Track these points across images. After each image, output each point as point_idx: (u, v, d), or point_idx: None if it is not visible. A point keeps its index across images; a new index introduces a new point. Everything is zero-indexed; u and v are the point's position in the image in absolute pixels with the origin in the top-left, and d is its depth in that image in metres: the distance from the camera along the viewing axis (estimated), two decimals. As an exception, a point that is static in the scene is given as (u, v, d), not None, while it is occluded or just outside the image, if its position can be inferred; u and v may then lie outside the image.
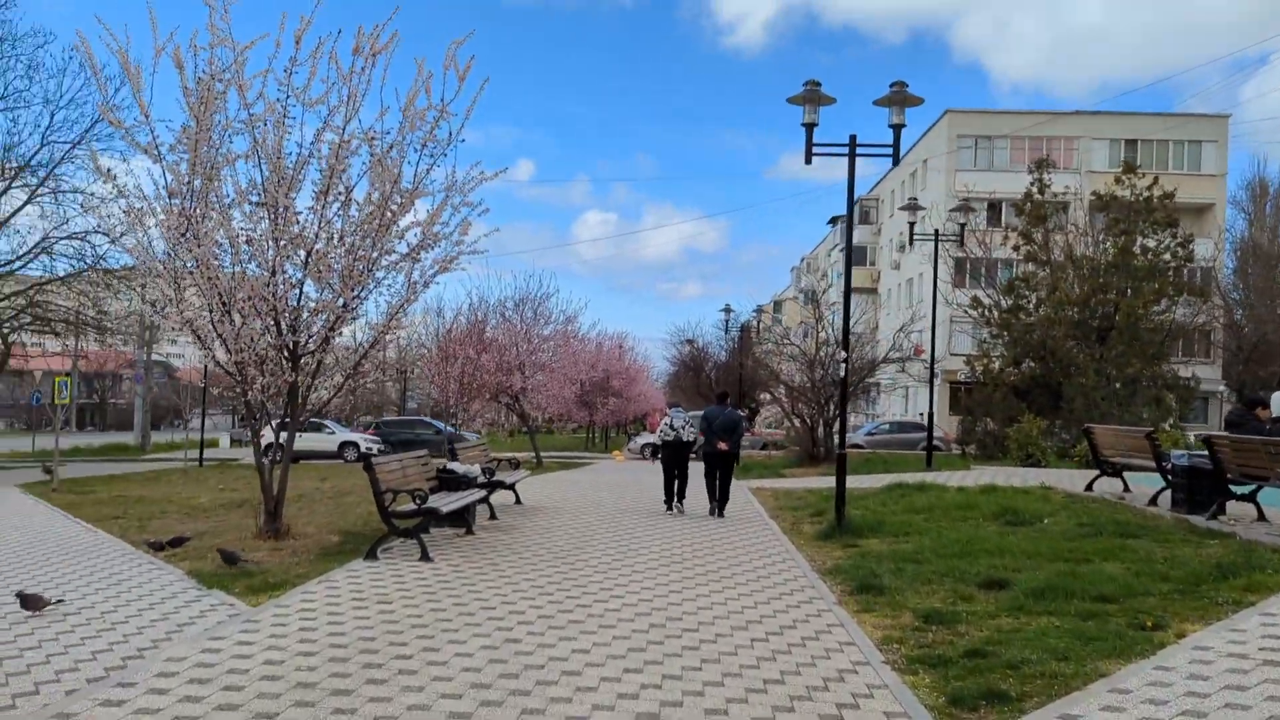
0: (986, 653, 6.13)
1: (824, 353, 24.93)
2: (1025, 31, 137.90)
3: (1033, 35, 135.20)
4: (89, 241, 31.99)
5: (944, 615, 7.19)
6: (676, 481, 14.72)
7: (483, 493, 11.92)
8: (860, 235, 72.38)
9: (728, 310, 35.45)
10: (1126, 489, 14.39)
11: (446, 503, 10.14)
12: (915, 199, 25.06)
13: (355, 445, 39.60)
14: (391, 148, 11.00)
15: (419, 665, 5.81)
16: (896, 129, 12.07)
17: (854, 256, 69.87)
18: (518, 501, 14.93)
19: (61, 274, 33.95)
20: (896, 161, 12.15)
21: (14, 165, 32.18)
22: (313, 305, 11.03)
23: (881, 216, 70.82)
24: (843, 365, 12.16)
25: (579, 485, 19.73)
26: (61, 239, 32.83)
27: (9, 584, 8.65)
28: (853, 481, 18.77)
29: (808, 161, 12.09)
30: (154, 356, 52.49)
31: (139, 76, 9.99)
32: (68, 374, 30.67)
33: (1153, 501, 12.58)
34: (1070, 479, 17.51)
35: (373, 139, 10.86)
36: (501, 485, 13.13)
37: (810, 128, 12.03)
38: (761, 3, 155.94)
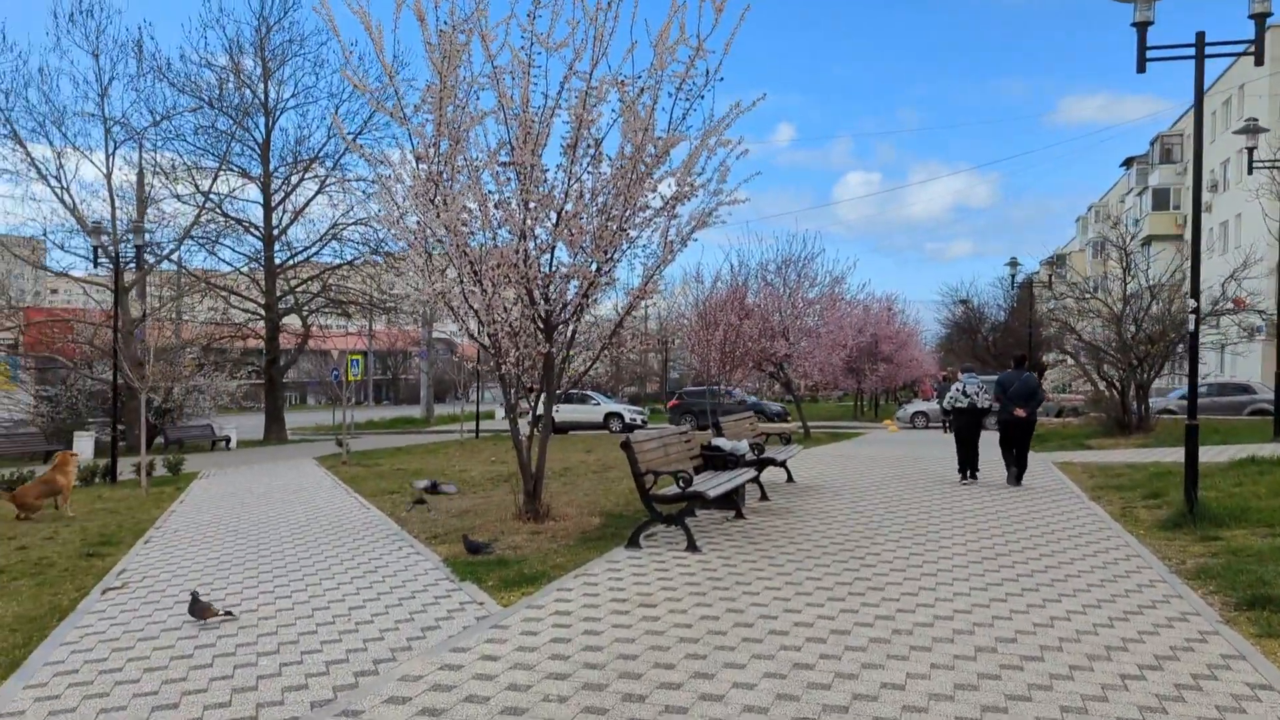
0: None
1: (1135, 305, 21.66)
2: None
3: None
4: (371, 226, 33.91)
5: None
6: (969, 450, 14.02)
7: (752, 472, 10.71)
8: (1161, 176, 64.70)
9: (1014, 264, 32.08)
10: None
11: (713, 485, 9.00)
12: (1254, 120, 21.13)
13: (620, 416, 39.92)
14: (643, 91, 9.94)
15: (689, 699, 4.66)
16: (1260, 19, 9.61)
17: (1156, 200, 62.97)
18: (790, 480, 13.63)
19: (349, 259, 36.31)
20: (1260, 60, 9.62)
21: (305, 158, 34.60)
22: (564, 271, 10.21)
23: (1186, 154, 62.78)
24: (1192, 317, 9.83)
25: (854, 460, 18.13)
26: (348, 225, 35.09)
27: (277, 568, 8.42)
28: (1166, 456, 16.00)
29: (1140, 69, 9.85)
30: (436, 334, 55.70)
31: (380, 36, 9.48)
32: (361, 352, 32.73)
33: None
34: None
35: (623, 84, 9.84)
36: (772, 462, 11.88)
37: (1143, 27, 9.77)
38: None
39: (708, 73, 10.05)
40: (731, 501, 10.15)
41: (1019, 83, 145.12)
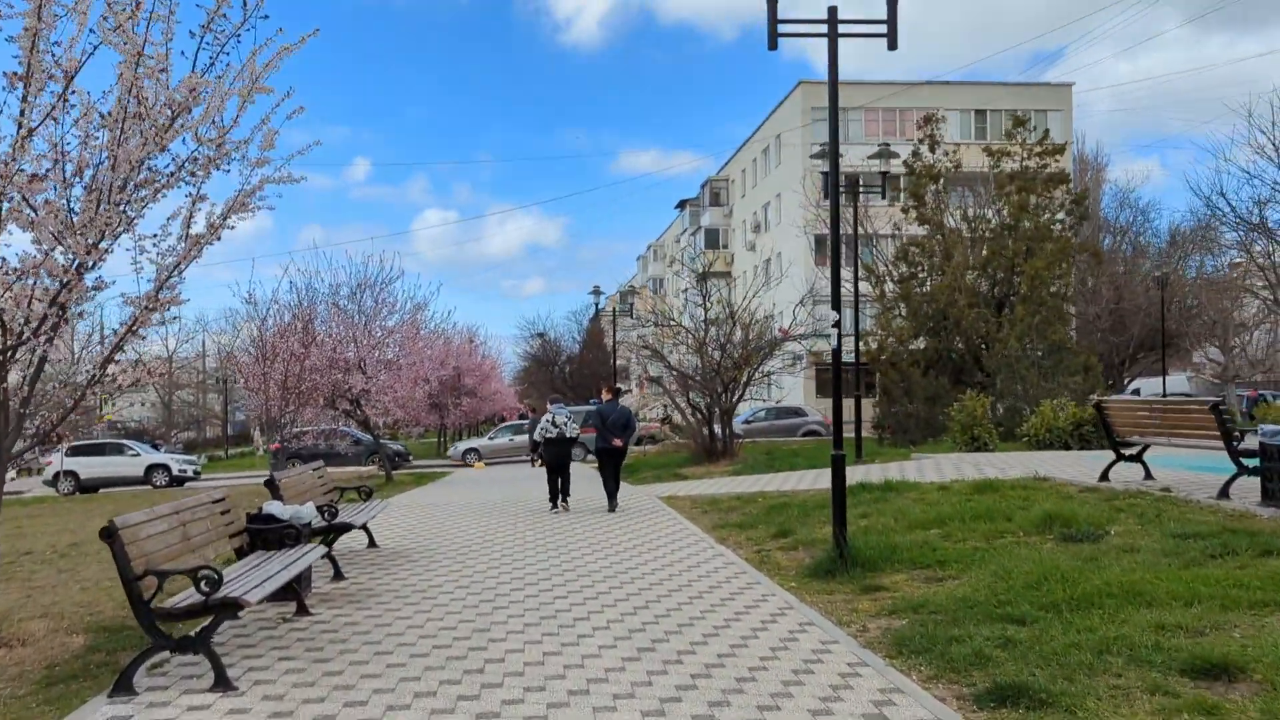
0: None
1: (720, 331, 21.66)
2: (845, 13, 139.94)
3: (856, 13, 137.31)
4: None
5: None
6: (560, 478, 14.59)
7: (321, 549, 7.85)
8: (710, 218, 70.12)
9: (597, 292, 31.70)
10: (1148, 475, 11.66)
11: (259, 579, 6.13)
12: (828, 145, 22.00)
13: (166, 468, 33.98)
14: (151, 19, 6.89)
15: None
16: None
17: (708, 239, 67.61)
18: (372, 544, 10.88)
19: None
20: (894, 45, 8.82)
21: None
22: (17, 267, 6.74)
23: (733, 198, 68.75)
24: (834, 331, 8.68)
25: (446, 508, 15.71)
26: None
27: None
28: (784, 482, 15.67)
29: (772, 46, 8.64)
30: None
31: None
32: None
33: (1223, 493, 9.78)
34: (1058, 464, 14.78)
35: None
36: (348, 528, 9.09)
37: (772, 1, 8.57)
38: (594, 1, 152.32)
39: (245, 6, 7.27)
40: (292, 591, 7.29)
41: (583, 134, 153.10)
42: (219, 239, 7.85)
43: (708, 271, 61.55)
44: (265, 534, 7.50)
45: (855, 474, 15.49)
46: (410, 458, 36.77)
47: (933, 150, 28.51)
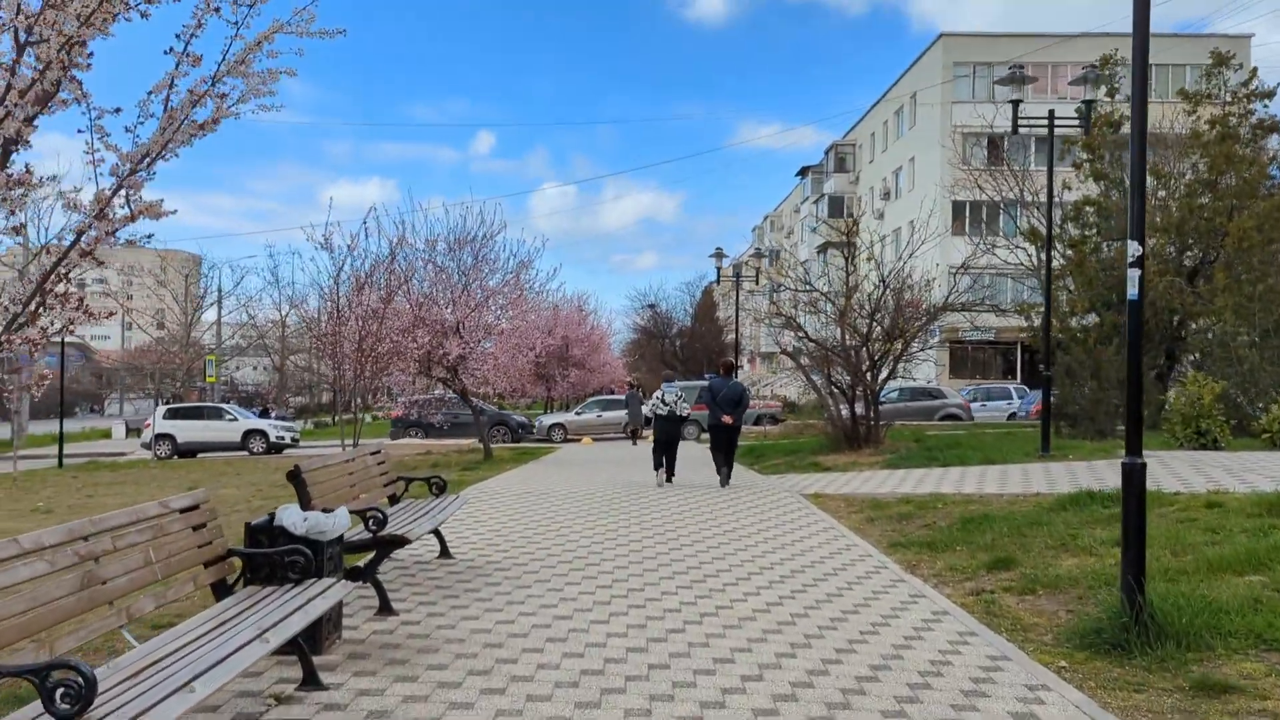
0: None
1: (867, 298, 18.54)
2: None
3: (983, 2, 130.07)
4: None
5: None
6: (667, 456, 14.59)
7: (341, 591, 5.18)
8: (834, 184, 66.06)
9: (719, 255, 28.68)
10: None
11: (193, 670, 3.56)
12: (1019, 69, 18.60)
13: (264, 434, 32.69)
14: None
15: None
16: None
17: (832, 207, 63.74)
18: (445, 553, 8.35)
19: None
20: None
21: None
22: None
23: (860, 163, 64.58)
24: (1134, 274, 5.62)
25: (544, 498, 13.18)
26: None
27: None
28: (960, 481, 12.13)
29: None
30: (68, 338, 45.01)
31: None
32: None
33: None
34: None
35: None
36: (396, 543, 6.50)
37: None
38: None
39: None
40: (300, 649, 4.73)
41: (706, 109, 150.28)
42: (217, 127, 5.38)
43: (829, 244, 57.84)
44: (257, 561, 4.96)
45: (1058, 475, 12.33)
46: (534, 429, 34.25)
47: (1111, 96, 24.53)
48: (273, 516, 5.51)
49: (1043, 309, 25.56)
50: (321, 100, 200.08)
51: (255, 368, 74.72)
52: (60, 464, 27.23)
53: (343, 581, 5.22)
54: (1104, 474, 11.83)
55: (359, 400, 16.87)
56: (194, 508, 4.76)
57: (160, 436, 31.79)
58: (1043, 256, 26.62)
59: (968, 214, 47.33)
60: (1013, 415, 34.93)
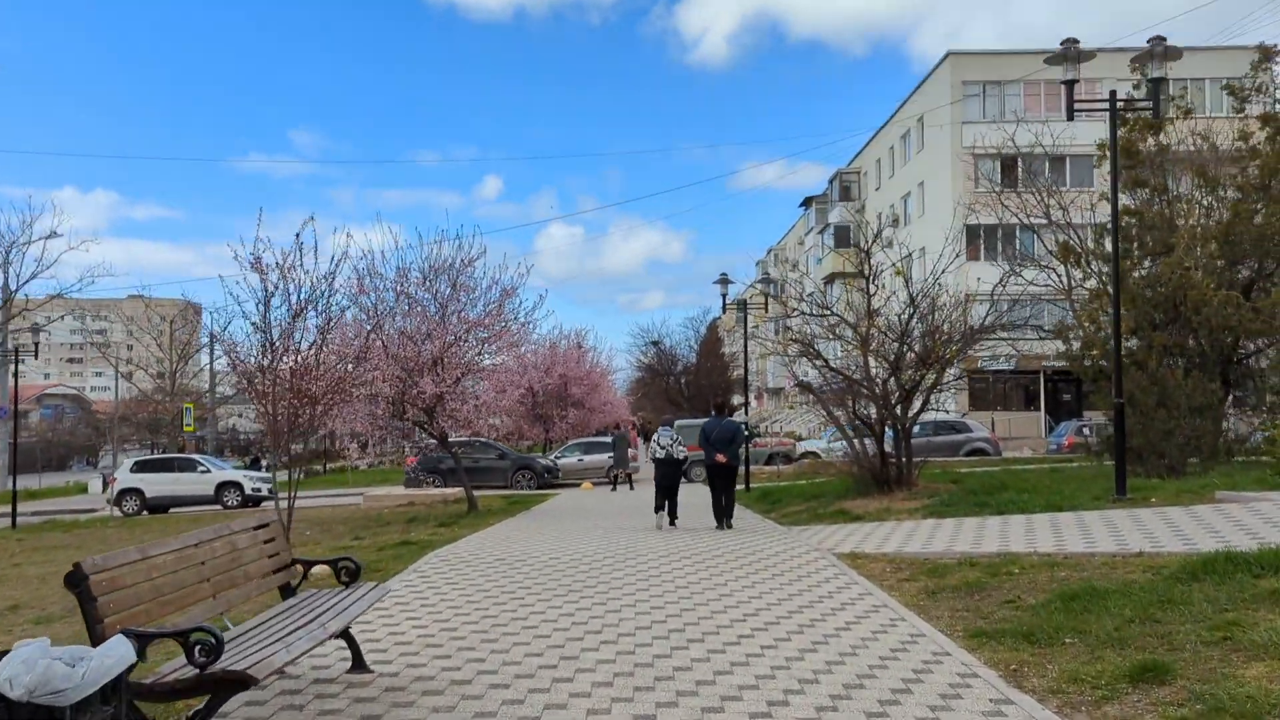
0: None
1: (897, 318, 16.28)
2: (979, 34, 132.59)
3: (986, 37, 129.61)
4: None
5: None
6: (668, 500, 14.41)
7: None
8: (839, 214, 64.00)
9: (725, 281, 26.45)
10: None
11: None
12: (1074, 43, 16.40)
13: (238, 487, 30.42)
14: None
15: None
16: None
17: (838, 237, 61.66)
18: (358, 665, 6.01)
19: None
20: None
21: None
22: None
23: (865, 191, 62.63)
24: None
25: (523, 564, 10.85)
26: None
27: None
28: (1027, 535, 8.43)
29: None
30: (63, 388, 42.94)
31: None
32: None
33: None
34: None
35: None
36: (241, 683, 4.16)
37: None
38: (723, 17, 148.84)
39: None
40: None
41: (710, 150, 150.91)
42: None
43: (835, 274, 55.48)
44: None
45: (1154, 526, 10.01)
46: (559, 474, 31.42)
47: (1157, 99, 22.42)
48: (-6, 662, 3.25)
49: (1079, 332, 23.45)
50: (327, 148, 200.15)
51: (255, 417, 72.51)
52: (14, 524, 24.98)
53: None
54: (1214, 523, 9.50)
55: (294, 449, 14.51)
56: None
57: (127, 491, 29.57)
58: (1075, 276, 24.58)
59: (982, 237, 45.26)
60: (974, 451, 32.01)
